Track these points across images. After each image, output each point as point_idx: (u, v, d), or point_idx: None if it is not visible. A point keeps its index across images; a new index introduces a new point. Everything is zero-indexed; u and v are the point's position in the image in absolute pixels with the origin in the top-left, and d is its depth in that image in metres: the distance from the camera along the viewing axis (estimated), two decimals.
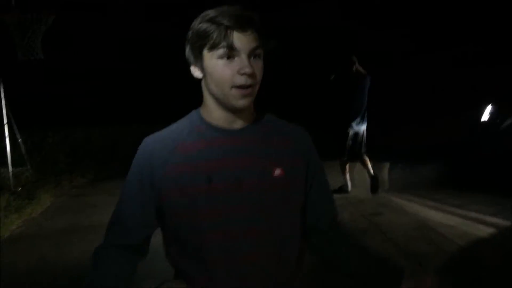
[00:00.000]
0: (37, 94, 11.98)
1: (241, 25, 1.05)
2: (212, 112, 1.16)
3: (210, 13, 1.07)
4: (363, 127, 5.56)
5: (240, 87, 1.07)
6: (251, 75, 1.06)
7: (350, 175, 5.93)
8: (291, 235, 1.19)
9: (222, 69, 1.06)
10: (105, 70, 13.21)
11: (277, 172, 1.13)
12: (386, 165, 7.42)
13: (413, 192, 5.88)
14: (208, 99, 1.16)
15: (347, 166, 5.80)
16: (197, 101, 1.22)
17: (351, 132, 5.50)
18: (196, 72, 1.15)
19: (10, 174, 6.55)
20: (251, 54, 1.07)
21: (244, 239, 1.11)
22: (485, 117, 6.69)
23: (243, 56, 1.06)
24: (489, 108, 6.68)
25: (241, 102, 1.09)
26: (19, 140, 7.02)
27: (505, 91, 6.96)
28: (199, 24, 1.08)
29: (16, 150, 7.08)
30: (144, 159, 1.17)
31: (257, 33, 1.08)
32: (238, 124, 1.17)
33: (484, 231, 4.39)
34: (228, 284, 1.12)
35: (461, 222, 4.65)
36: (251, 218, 1.11)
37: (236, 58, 1.06)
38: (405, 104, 9.78)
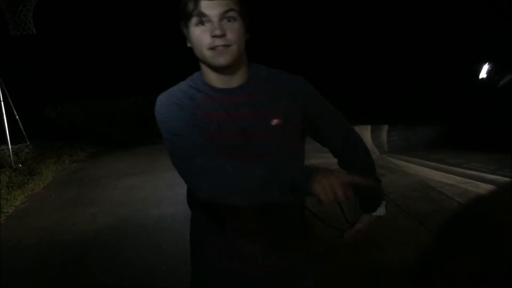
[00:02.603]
0: (31, 69, 11.86)
1: None
2: (208, 75, 1.29)
3: None
4: None
5: (213, 48, 1.20)
6: (221, 36, 1.18)
7: None
8: None
9: (198, 35, 1.20)
10: (98, 41, 13.02)
11: (275, 121, 1.28)
12: (385, 127, 7.44)
13: (412, 152, 5.91)
14: (201, 65, 1.30)
15: None
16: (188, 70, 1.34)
17: None
18: (188, 43, 1.28)
19: (10, 151, 6.56)
20: (223, 18, 1.19)
21: None
22: (483, 74, 6.65)
23: (214, 20, 1.18)
24: (486, 66, 6.63)
25: (219, 60, 1.21)
26: (16, 117, 7.00)
27: (502, 49, 6.88)
28: (181, 1, 1.22)
29: (14, 127, 7.07)
30: (172, 101, 1.27)
31: None
32: (234, 83, 1.29)
33: (484, 188, 4.44)
34: (237, 215, 1.31)
35: (461, 180, 4.70)
36: (255, 162, 1.20)
37: (207, 23, 1.19)
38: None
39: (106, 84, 11.53)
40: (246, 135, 1.26)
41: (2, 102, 6.61)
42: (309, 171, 1.06)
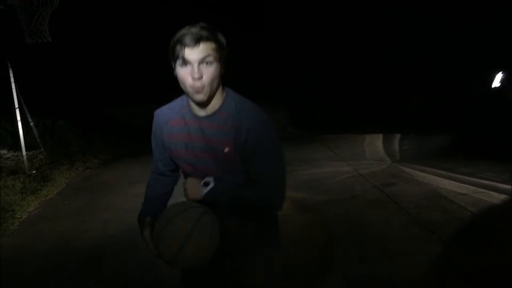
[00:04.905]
0: (46, 77, 12.01)
1: (192, 43, 1.46)
2: (190, 101, 1.64)
3: (180, 33, 1.49)
4: None
5: (192, 87, 1.51)
6: (199, 78, 1.49)
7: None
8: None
9: (181, 74, 1.52)
10: (113, 50, 13.18)
11: (226, 150, 1.60)
12: (397, 136, 7.40)
13: (424, 161, 5.87)
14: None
15: None
16: None
17: None
18: (175, 74, 1.57)
19: (24, 157, 6.64)
20: (201, 62, 1.48)
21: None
22: (496, 83, 6.60)
23: (194, 65, 1.48)
24: (500, 75, 6.59)
25: (197, 97, 1.54)
26: (31, 124, 7.09)
27: None
28: (172, 41, 1.51)
29: (28, 133, 7.16)
30: (155, 127, 1.79)
31: (211, 44, 1.49)
32: (205, 112, 1.62)
33: (497, 197, 4.39)
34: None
35: (473, 189, 4.66)
36: (210, 174, 1.64)
37: (189, 66, 1.49)
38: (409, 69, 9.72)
39: (119, 92, 11.65)
40: (204, 155, 1.65)
41: (17, 110, 6.71)
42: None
